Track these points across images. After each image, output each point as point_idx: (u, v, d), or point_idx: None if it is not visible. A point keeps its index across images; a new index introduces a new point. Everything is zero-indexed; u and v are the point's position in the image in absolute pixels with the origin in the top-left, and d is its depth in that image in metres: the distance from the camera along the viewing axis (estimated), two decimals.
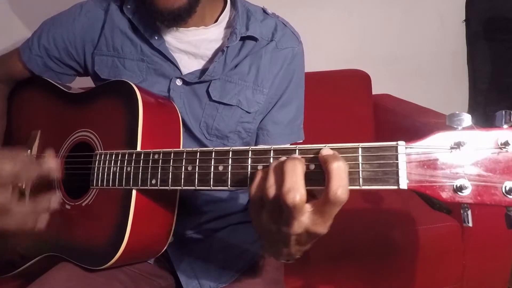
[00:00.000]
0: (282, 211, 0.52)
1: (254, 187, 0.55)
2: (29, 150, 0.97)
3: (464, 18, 2.16)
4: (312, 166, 0.54)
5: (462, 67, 2.22)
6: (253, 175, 0.56)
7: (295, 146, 0.55)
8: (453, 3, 2.14)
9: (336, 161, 0.50)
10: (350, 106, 1.86)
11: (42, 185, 0.89)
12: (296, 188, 0.49)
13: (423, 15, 2.10)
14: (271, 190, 0.52)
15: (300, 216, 0.51)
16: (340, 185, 0.49)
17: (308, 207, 0.51)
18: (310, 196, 0.52)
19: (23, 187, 0.84)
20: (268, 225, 0.55)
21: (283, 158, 0.54)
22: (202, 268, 0.96)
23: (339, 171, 0.49)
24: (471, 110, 2.22)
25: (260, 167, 0.58)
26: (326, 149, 0.53)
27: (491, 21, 2.11)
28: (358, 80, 1.90)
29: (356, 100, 1.87)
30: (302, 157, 0.54)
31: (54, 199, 0.75)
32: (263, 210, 0.55)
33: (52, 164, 0.75)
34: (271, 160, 0.57)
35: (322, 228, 0.53)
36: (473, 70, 2.20)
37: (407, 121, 1.70)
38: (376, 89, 1.93)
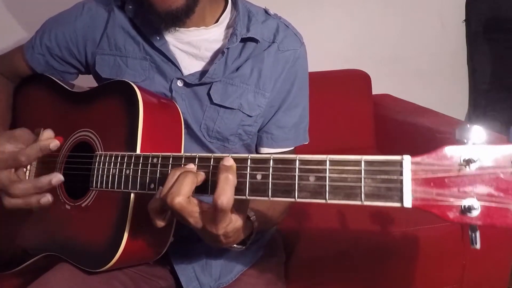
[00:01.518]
0: None
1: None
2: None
3: (464, 18, 2.16)
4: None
5: (462, 67, 2.22)
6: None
7: (295, 156, 0.55)
8: (453, 3, 2.13)
9: (226, 172, 0.57)
10: (350, 106, 1.86)
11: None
12: (174, 193, 0.59)
13: (423, 15, 2.10)
14: (165, 191, 0.62)
15: (192, 214, 0.61)
16: (221, 193, 0.56)
17: (204, 208, 0.61)
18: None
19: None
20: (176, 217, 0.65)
21: (191, 165, 0.64)
22: (202, 268, 0.96)
23: (225, 181, 0.57)
24: (471, 110, 2.23)
25: (259, 176, 0.57)
26: (227, 159, 0.59)
27: (491, 21, 2.11)
28: (358, 80, 1.90)
29: (356, 100, 1.87)
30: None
31: (56, 177, 0.76)
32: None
33: (49, 141, 0.78)
34: (270, 169, 0.57)
35: (215, 230, 0.61)
36: (473, 70, 2.20)
37: (407, 121, 1.70)
38: (376, 89, 1.93)
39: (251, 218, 0.77)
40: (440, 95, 2.16)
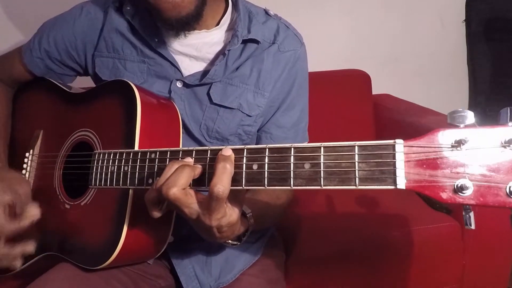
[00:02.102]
0: None
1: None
2: (31, 150, 0.99)
3: (464, 18, 2.16)
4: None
5: (462, 67, 2.22)
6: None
7: (290, 144, 0.55)
8: (453, 3, 2.14)
9: (223, 161, 0.58)
10: (350, 106, 1.86)
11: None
12: (170, 183, 0.60)
13: (423, 15, 2.10)
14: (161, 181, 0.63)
15: (187, 205, 0.61)
16: (218, 181, 0.57)
17: (199, 198, 0.62)
18: None
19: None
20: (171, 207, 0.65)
21: (188, 159, 0.64)
22: (202, 267, 0.96)
23: (223, 170, 0.57)
24: (471, 110, 2.21)
25: (255, 166, 0.58)
26: (225, 149, 0.60)
27: (491, 21, 2.11)
28: (358, 80, 1.90)
29: (356, 100, 1.87)
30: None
31: (29, 246, 0.79)
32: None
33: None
34: (266, 159, 0.58)
35: (209, 221, 0.62)
36: (473, 70, 2.20)
37: (407, 121, 1.70)
38: (376, 89, 1.93)
39: (247, 215, 0.77)
40: (440, 95, 2.16)
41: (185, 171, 0.60)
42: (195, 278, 0.95)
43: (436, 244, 1.31)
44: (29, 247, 0.78)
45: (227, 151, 0.60)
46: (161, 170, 0.68)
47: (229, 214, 0.63)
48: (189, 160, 0.64)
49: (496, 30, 2.13)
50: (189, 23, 0.84)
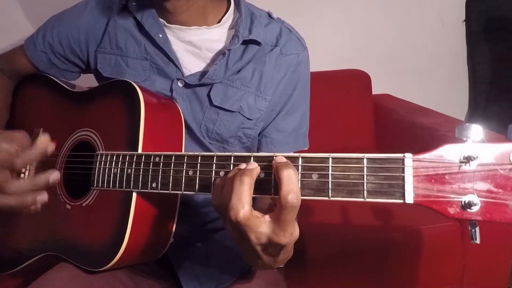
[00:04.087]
0: None
1: (213, 194, 0.57)
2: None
3: (464, 18, 2.16)
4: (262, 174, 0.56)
5: (462, 67, 2.22)
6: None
7: (298, 154, 0.55)
8: (453, 3, 2.14)
9: (287, 168, 0.52)
10: (350, 106, 1.86)
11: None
12: (238, 206, 0.52)
13: (423, 15, 2.10)
14: (226, 201, 0.54)
15: (255, 229, 0.53)
16: (290, 190, 0.51)
17: (267, 218, 0.54)
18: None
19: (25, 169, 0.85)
20: (231, 233, 0.57)
21: (243, 165, 0.57)
22: (202, 268, 0.96)
23: (289, 177, 0.52)
24: (471, 110, 2.23)
25: (262, 174, 0.57)
26: (280, 157, 0.55)
27: (491, 21, 2.11)
28: (358, 80, 1.90)
29: (356, 100, 1.87)
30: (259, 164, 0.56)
31: (53, 174, 0.74)
32: (226, 219, 0.56)
33: (44, 146, 0.74)
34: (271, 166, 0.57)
35: (283, 238, 0.54)
36: (473, 70, 2.20)
37: (407, 121, 1.70)
38: (376, 89, 1.93)
39: None
40: (440, 95, 2.16)
41: (246, 183, 0.53)
42: (196, 279, 0.95)
43: (436, 244, 1.32)
44: (54, 174, 0.74)
45: (282, 157, 0.56)
46: (165, 174, 0.68)
47: (296, 227, 0.57)
48: (253, 165, 0.57)
49: (496, 30, 2.13)
50: None
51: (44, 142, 0.74)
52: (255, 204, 0.86)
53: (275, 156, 0.56)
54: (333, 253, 1.26)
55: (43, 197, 0.73)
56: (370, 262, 1.28)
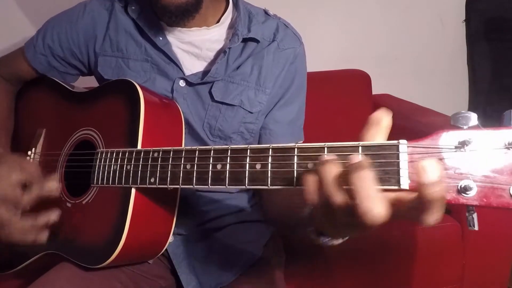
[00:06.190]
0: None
1: (312, 194, 0.50)
2: (33, 148, 0.98)
3: (464, 18, 2.16)
4: None
5: (462, 67, 2.22)
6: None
7: (294, 144, 0.55)
8: (453, 3, 2.13)
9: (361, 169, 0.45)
10: (350, 106, 1.86)
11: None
12: (371, 206, 0.45)
13: (423, 15, 2.10)
14: (340, 200, 0.47)
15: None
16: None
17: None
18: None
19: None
20: (344, 219, 0.49)
21: (331, 157, 0.49)
22: (202, 267, 0.96)
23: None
24: (471, 110, 2.21)
25: (258, 166, 0.58)
26: (355, 157, 0.47)
27: (491, 21, 2.11)
28: (358, 80, 1.89)
29: (356, 100, 1.87)
30: (336, 155, 0.50)
31: (54, 215, 0.79)
32: (335, 212, 0.49)
33: (53, 185, 0.79)
34: (269, 158, 0.57)
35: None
36: (473, 70, 2.20)
37: (407, 121, 1.70)
38: (376, 89, 1.93)
39: None
40: (440, 95, 2.15)
41: (367, 175, 0.45)
42: (195, 278, 0.95)
43: (436, 244, 1.31)
44: (53, 215, 0.79)
45: (356, 157, 0.47)
46: (163, 169, 0.69)
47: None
48: (357, 158, 0.47)
49: (496, 30, 2.12)
50: (189, 10, 0.85)
51: (52, 188, 0.78)
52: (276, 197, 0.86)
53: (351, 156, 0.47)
54: (332, 254, 1.26)
55: (43, 237, 0.79)
56: (370, 261, 1.28)
